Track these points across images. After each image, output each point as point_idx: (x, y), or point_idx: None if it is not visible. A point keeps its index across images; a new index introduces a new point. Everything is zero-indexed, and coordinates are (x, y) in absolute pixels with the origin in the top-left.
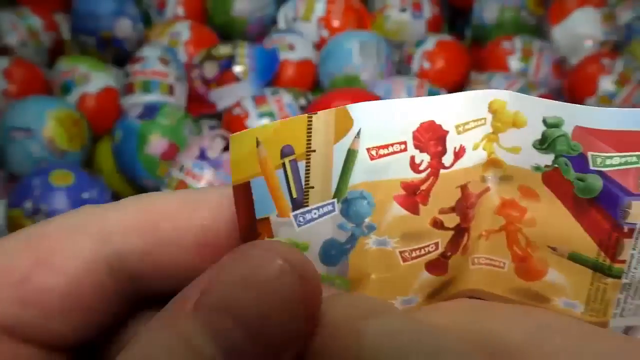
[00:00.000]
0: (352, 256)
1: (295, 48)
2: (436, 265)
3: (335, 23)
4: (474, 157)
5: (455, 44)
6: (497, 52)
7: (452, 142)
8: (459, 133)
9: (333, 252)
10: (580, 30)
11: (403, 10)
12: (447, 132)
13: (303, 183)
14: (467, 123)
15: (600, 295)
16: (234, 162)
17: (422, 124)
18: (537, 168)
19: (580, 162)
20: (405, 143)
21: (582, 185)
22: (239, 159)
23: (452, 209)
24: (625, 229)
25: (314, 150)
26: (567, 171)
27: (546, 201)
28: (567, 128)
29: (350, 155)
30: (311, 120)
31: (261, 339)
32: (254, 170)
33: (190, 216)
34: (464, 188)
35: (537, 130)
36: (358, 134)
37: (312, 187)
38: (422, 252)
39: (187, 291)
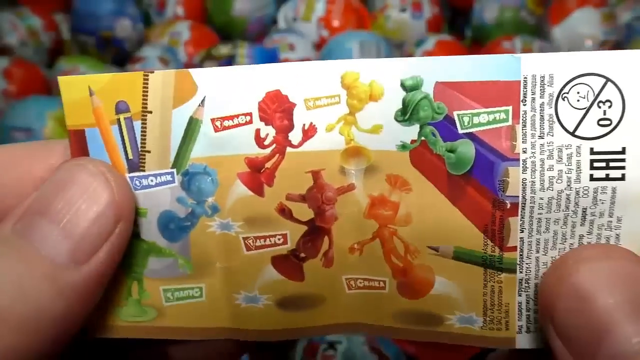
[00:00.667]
0: (193, 236)
1: (296, 48)
2: (286, 265)
3: (335, 23)
4: (327, 141)
5: (455, 44)
6: (497, 52)
7: (301, 118)
8: (308, 108)
9: (172, 226)
10: (580, 30)
11: (403, 10)
12: (294, 104)
13: (139, 145)
14: (318, 98)
15: (497, 298)
16: (67, 105)
17: (267, 94)
18: (403, 146)
19: (448, 128)
20: (250, 114)
21: (453, 157)
22: (71, 103)
23: (302, 198)
24: (508, 204)
25: (151, 112)
26: (435, 142)
27: (418, 188)
28: (428, 87)
29: (193, 124)
30: (147, 78)
31: (72, 233)
32: (88, 118)
33: (30, 167)
34: (316, 175)
35: (396, 98)
36: (202, 102)
37: (149, 152)
38: (267, 242)
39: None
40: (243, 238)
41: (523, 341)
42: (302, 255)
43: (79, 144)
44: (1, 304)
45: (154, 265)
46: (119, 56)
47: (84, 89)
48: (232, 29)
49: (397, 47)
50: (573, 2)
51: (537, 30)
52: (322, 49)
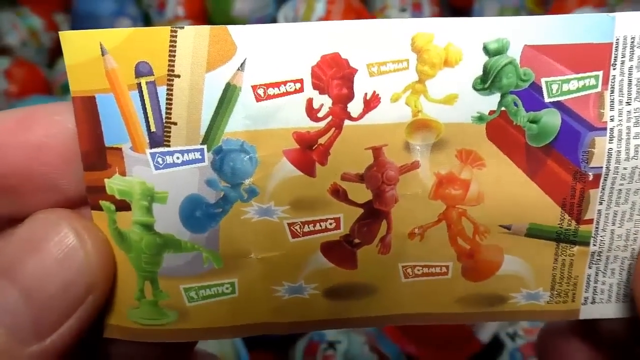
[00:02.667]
0: (224, 225)
1: None
2: (336, 251)
3: None
4: (392, 113)
5: None
6: None
7: (362, 86)
8: (371, 75)
9: (198, 214)
10: None
11: (403, 10)
12: (355, 70)
13: (164, 115)
14: (383, 63)
15: (567, 272)
16: (71, 67)
17: (323, 57)
18: (480, 118)
19: (533, 97)
20: (301, 81)
21: (535, 129)
22: (77, 64)
23: (360, 177)
24: (591, 175)
25: (178, 76)
26: (517, 113)
27: (493, 164)
28: (514, 51)
29: (230, 91)
30: (175, 35)
31: (35, 302)
32: (100, 83)
33: (24, 134)
34: (377, 152)
35: (476, 64)
36: (242, 65)
37: (175, 124)
38: (317, 227)
39: None
40: (288, 224)
41: (587, 312)
42: (357, 241)
43: (87, 113)
44: None
45: (170, 262)
46: None
47: (93, 47)
48: None
49: None
50: (573, 2)
51: None
52: None
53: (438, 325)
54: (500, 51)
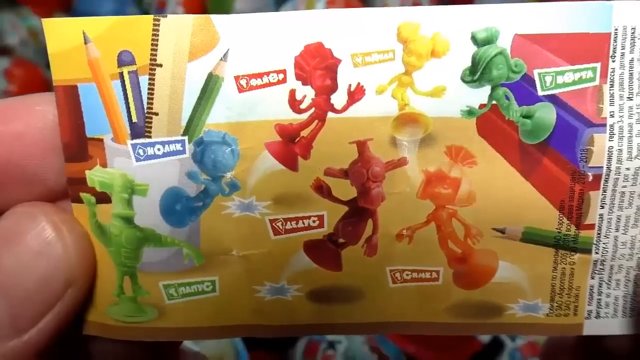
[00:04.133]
0: (204, 220)
1: None
2: (320, 251)
3: None
4: (378, 106)
5: None
6: None
7: (346, 77)
8: (355, 66)
9: (178, 207)
10: None
11: None
12: (339, 60)
13: (145, 105)
14: (368, 54)
15: (567, 282)
16: (54, 55)
17: (306, 47)
18: (470, 112)
19: (525, 90)
20: (284, 72)
21: (529, 124)
22: (59, 52)
23: (344, 173)
24: (590, 176)
25: (160, 65)
26: (509, 107)
27: (485, 162)
28: (505, 41)
29: (212, 81)
30: (158, 24)
31: (12, 296)
32: (82, 72)
33: (3, 126)
34: (361, 146)
35: (465, 55)
36: (225, 55)
37: (156, 114)
38: (300, 224)
39: None
40: (270, 220)
41: (591, 328)
42: (341, 240)
43: (69, 103)
44: None
45: (150, 257)
46: None
47: (76, 35)
48: None
49: None
50: None
51: None
52: None
53: None
54: (489, 41)
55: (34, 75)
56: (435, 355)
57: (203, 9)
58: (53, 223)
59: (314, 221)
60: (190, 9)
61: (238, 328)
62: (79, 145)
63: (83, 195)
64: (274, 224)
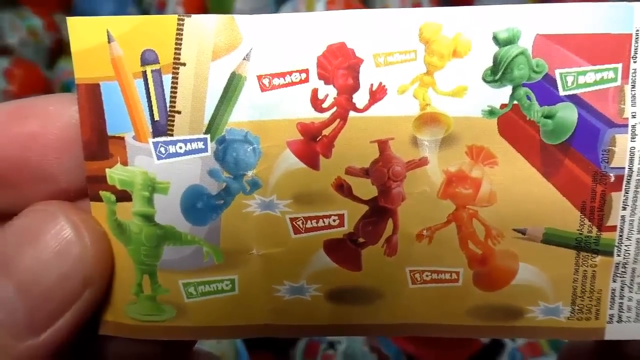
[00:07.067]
0: (225, 218)
1: None
2: (340, 250)
3: None
4: (398, 105)
5: None
6: None
7: (368, 77)
8: (377, 65)
9: (199, 205)
10: None
11: None
12: (361, 60)
13: (168, 104)
14: (390, 54)
15: (589, 285)
16: (77, 53)
17: (329, 47)
18: (491, 112)
19: (547, 90)
20: (307, 71)
21: (550, 124)
22: (82, 51)
23: (365, 172)
24: (612, 177)
25: (184, 64)
26: (530, 107)
27: (506, 162)
28: (526, 41)
29: (235, 80)
30: (182, 24)
31: (31, 296)
32: (105, 70)
33: (17, 125)
34: (383, 145)
35: (486, 55)
36: (248, 55)
37: (179, 112)
38: (320, 223)
39: None
40: (290, 219)
41: (613, 332)
42: (361, 240)
43: (91, 101)
44: None
45: (170, 255)
46: None
47: (100, 34)
48: None
49: None
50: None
51: None
52: None
53: None
54: (511, 41)
55: (33, 75)
56: (435, 355)
57: (203, 9)
58: (72, 222)
59: (334, 220)
60: (190, 9)
61: (256, 328)
62: (99, 144)
63: (102, 193)
64: (294, 223)
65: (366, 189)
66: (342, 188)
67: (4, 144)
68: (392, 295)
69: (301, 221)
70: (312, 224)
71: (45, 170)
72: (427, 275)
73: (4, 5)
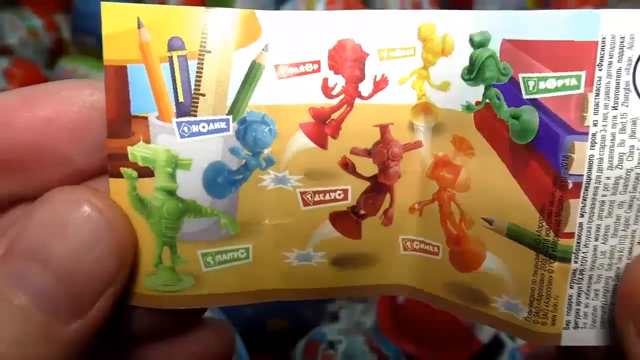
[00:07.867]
0: (243, 191)
1: None
2: (344, 222)
3: None
4: (398, 94)
5: None
6: None
7: (373, 69)
8: (381, 59)
9: (220, 180)
10: None
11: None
12: (367, 54)
13: (192, 87)
14: (392, 49)
15: (546, 290)
16: (108, 37)
17: (339, 42)
18: (468, 107)
19: (513, 92)
20: (319, 63)
21: (517, 125)
22: (113, 34)
23: (367, 152)
24: (570, 184)
25: (210, 51)
26: (500, 107)
27: (481, 153)
28: (495, 44)
29: (255, 68)
30: (208, 14)
31: (71, 283)
32: (133, 54)
33: (31, 110)
34: (384, 129)
35: (464, 55)
36: (266, 46)
37: (203, 95)
38: (327, 197)
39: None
40: (301, 192)
41: (570, 338)
42: (362, 212)
43: (117, 82)
44: None
45: (189, 227)
46: None
47: (131, 19)
48: None
49: None
50: (572, 2)
51: None
52: None
53: (437, 325)
54: (483, 44)
55: (33, 75)
56: (434, 355)
57: None
58: (98, 209)
59: (339, 194)
60: None
61: (267, 292)
62: (122, 122)
63: (123, 170)
64: (304, 196)
65: (368, 167)
66: (347, 166)
67: (19, 130)
68: (387, 259)
69: (310, 195)
70: (319, 197)
71: (60, 153)
72: (416, 244)
73: (4, 5)
